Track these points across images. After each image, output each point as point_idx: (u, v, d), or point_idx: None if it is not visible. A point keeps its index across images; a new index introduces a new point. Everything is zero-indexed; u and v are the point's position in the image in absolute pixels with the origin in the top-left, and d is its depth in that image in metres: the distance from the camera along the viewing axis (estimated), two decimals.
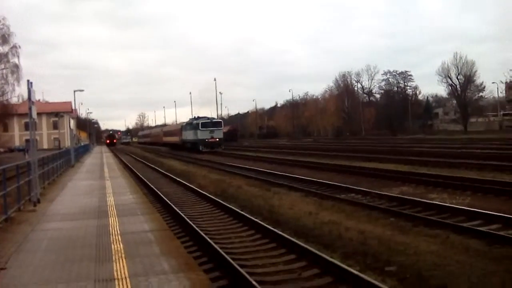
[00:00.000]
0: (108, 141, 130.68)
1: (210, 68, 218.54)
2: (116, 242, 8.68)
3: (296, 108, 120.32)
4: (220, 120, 65.10)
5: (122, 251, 7.95)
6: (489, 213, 11.47)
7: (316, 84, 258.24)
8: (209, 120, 59.33)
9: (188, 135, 61.98)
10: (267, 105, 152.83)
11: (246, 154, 45.77)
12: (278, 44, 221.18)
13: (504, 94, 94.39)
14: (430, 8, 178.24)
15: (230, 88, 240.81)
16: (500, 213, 11.40)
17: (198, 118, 62.03)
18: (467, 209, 12.21)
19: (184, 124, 67.76)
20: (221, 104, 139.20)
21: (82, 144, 76.71)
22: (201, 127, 57.20)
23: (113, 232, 9.64)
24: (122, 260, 7.40)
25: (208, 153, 52.18)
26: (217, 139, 57.51)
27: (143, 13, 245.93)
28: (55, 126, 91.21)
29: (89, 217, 11.73)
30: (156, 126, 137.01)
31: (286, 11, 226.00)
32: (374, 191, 16.18)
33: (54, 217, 12.18)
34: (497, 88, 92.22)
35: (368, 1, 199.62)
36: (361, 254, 8.90)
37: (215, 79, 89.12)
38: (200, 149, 55.79)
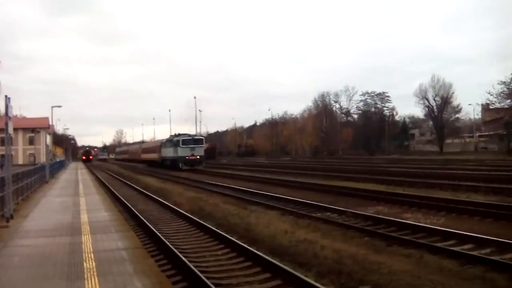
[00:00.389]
0: (84, 157, 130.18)
1: (190, 85, 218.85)
2: (88, 260, 8.59)
3: (275, 127, 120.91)
4: (202, 137, 62.71)
5: (95, 269, 7.87)
6: (463, 233, 11.58)
7: (295, 103, 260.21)
8: (190, 137, 57.76)
9: (168, 152, 60.44)
10: (246, 124, 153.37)
11: (224, 172, 45.72)
12: (258, 63, 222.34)
13: (480, 116, 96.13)
14: (409, 30, 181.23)
15: (209, 105, 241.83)
16: (473, 233, 11.52)
17: (179, 135, 60.45)
18: (441, 229, 12.31)
19: (164, 140, 65.95)
20: (200, 121, 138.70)
21: (57, 160, 75.83)
22: (182, 144, 55.70)
23: (86, 250, 9.54)
24: (94, 278, 7.33)
25: (187, 171, 51.18)
26: (198, 157, 56.00)
27: (123, 29, 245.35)
28: (31, 141, 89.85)
29: (62, 234, 11.61)
30: (134, 143, 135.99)
31: (267, 31, 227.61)
32: (349, 210, 16.24)
33: (27, 233, 12.03)
34: (473, 110, 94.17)
35: (348, 23, 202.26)
36: (335, 273, 8.90)
37: (195, 97, 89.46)
38: (180, 166, 54.53)
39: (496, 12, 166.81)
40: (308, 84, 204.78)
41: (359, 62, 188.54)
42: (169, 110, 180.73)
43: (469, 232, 11.64)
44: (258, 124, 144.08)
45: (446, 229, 12.22)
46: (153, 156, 71.57)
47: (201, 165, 55.89)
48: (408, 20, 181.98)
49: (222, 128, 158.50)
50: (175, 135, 61.44)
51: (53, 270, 7.94)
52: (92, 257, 8.85)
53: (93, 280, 7.18)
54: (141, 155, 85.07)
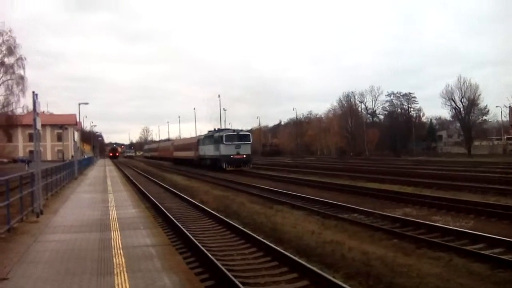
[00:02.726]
0: (111, 154, 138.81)
1: (214, 84, 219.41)
2: (117, 256, 8.67)
3: (299, 127, 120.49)
4: (248, 133, 53.93)
5: (124, 265, 7.94)
6: (492, 237, 11.41)
7: (319, 103, 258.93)
8: (234, 133, 50.02)
9: (208, 150, 53.72)
10: (271, 123, 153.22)
11: (249, 171, 45.68)
12: (283, 62, 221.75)
13: (508, 118, 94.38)
14: (435, 31, 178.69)
15: (234, 104, 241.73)
16: (503, 237, 11.34)
17: (220, 130, 54.09)
18: (470, 232, 12.15)
19: (202, 137, 58.95)
20: (225, 120, 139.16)
21: (85, 156, 76.87)
22: (225, 141, 48.33)
23: (115, 246, 9.63)
24: (124, 274, 7.39)
25: (213, 170, 47.91)
26: (244, 156, 48.64)
27: (149, 27, 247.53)
28: (59, 138, 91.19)
29: (91, 230, 11.75)
30: (164, 140, 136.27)
31: (291, 29, 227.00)
32: (377, 211, 16.13)
33: (57, 229, 12.19)
34: (501, 112, 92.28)
35: (373, 22, 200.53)
36: (363, 275, 8.84)
37: (219, 96, 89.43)
38: (224, 167, 47.54)
39: None
40: (333, 84, 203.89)
41: (385, 63, 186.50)
42: (194, 109, 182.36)
43: (499, 236, 11.46)
44: (282, 123, 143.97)
45: (476, 232, 12.07)
46: (188, 154, 65.05)
47: (248, 166, 49.07)
48: (435, 20, 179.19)
49: (246, 127, 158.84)
50: (216, 130, 54.59)
51: (83, 265, 8.04)
52: (121, 253, 8.93)
53: (122, 276, 7.25)
54: (173, 153, 78.55)
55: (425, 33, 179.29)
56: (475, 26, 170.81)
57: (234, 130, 51.14)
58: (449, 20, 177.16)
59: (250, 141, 50.83)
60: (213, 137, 51.81)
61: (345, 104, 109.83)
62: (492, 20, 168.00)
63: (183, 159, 68.04)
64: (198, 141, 59.24)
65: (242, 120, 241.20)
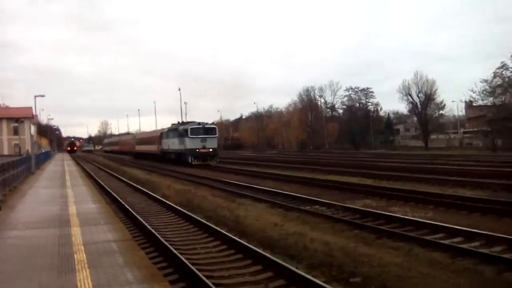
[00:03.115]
0: (69, 148, 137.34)
1: (175, 77, 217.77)
2: (79, 252, 8.52)
3: (261, 121, 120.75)
4: (215, 126, 50.77)
5: (85, 261, 7.81)
6: (451, 227, 11.70)
7: (281, 97, 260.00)
8: (200, 126, 47.68)
9: (172, 144, 51.66)
10: (232, 117, 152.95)
11: (210, 165, 45.52)
12: (244, 56, 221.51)
13: (464, 113, 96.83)
14: (393, 27, 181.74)
15: (195, 98, 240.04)
16: (462, 227, 11.64)
17: (185, 123, 51.71)
18: (430, 223, 12.42)
19: (166, 130, 56.32)
20: (186, 114, 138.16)
21: (43, 151, 75.19)
22: (191, 134, 46.29)
23: (76, 242, 9.45)
24: (86, 270, 7.27)
25: (173, 164, 47.15)
26: (211, 150, 46.79)
27: (109, 17, 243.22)
28: (16, 131, 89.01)
29: (51, 226, 11.49)
30: (123, 134, 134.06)
31: (254, 24, 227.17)
32: (338, 203, 16.32)
33: (15, 225, 11.88)
34: (457, 107, 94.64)
35: (334, 18, 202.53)
36: (326, 265, 8.95)
37: (179, 89, 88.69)
38: (189, 161, 45.61)
39: (480, 11, 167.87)
40: (293, 78, 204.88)
41: (344, 58, 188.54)
42: (154, 102, 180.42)
43: (458, 226, 11.76)
44: (244, 117, 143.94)
45: (435, 223, 12.33)
46: (151, 148, 62.79)
47: (214, 160, 47.09)
48: (393, 17, 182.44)
49: (208, 121, 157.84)
50: (180, 123, 52.60)
51: (43, 262, 7.86)
52: (83, 249, 8.78)
53: (84, 272, 7.13)
54: (135, 147, 75.70)
55: (383, 29, 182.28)
56: (432, 22, 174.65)
57: (199, 123, 48.53)
58: (409, 15, 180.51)
59: (216, 134, 49.11)
60: (178, 130, 49.74)
61: (305, 99, 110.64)
62: (450, 16, 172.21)
63: (146, 154, 65.73)
64: (161, 135, 57.16)
65: (204, 114, 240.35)
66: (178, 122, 54.37)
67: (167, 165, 47.39)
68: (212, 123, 51.71)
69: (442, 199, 16.36)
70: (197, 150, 45.94)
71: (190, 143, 46.08)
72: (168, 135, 53.83)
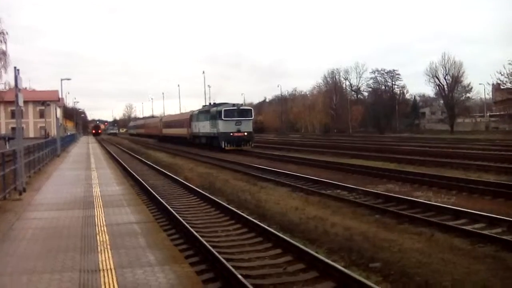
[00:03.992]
0: (93, 131, 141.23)
1: (200, 60, 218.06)
2: (101, 233, 8.66)
3: (284, 104, 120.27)
4: (250, 108, 47.85)
5: (108, 242, 7.94)
6: (474, 212, 11.58)
7: (305, 80, 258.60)
8: (234, 107, 43.84)
9: (202, 127, 47.91)
10: (256, 100, 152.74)
11: (234, 148, 45.33)
12: (268, 39, 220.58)
13: (491, 96, 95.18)
14: (420, 7, 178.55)
15: (219, 81, 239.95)
16: (484, 212, 11.52)
17: (217, 104, 46.79)
18: (452, 208, 12.32)
19: (196, 112, 52.66)
20: (209, 97, 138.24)
21: (68, 133, 76.20)
22: (224, 116, 42.56)
23: (99, 223, 9.61)
24: (108, 251, 7.39)
25: (202, 148, 44.75)
26: (245, 133, 42.80)
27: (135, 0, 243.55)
28: (42, 114, 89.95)
29: (75, 208, 11.69)
30: (147, 117, 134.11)
31: (278, 7, 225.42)
32: (360, 187, 16.25)
33: (40, 206, 12.12)
34: (484, 90, 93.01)
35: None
36: (346, 250, 8.95)
37: (203, 72, 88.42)
38: (222, 146, 42.06)
39: None
40: (318, 61, 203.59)
41: (370, 40, 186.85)
42: (178, 85, 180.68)
43: (480, 211, 11.64)
44: (267, 100, 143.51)
45: (457, 208, 12.23)
46: (179, 131, 59.23)
47: (249, 145, 43.07)
48: None
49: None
50: (213, 105, 48.49)
51: (67, 243, 8.01)
52: (105, 230, 8.92)
53: (106, 253, 7.25)
54: (162, 130, 72.35)
55: (410, 10, 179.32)
56: (462, 2, 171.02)
57: (234, 104, 44.62)
58: None
59: (252, 117, 45.46)
60: (210, 112, 45.78)
61: (330, 81, 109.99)
62: None
63: (173, 137, 62.79)
64: (191, 117, 53.54)
65: (228, 96, 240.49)
66: (210, 104, 50.72)
67: (196, 149, 45.59)
68: (247, 105, 48.82)
69: (466, 184, 16.17)
70: (231, 134, 42.31)
71: (224, 126, 42.59)
72: (198, 118, 50.31)
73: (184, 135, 56.16)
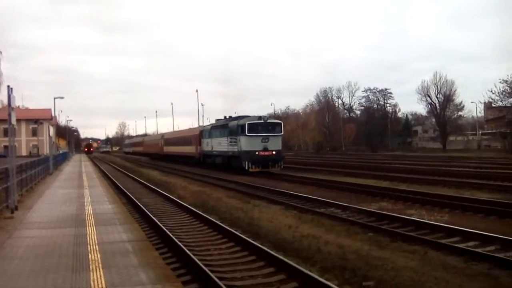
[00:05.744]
0: (86, 149, 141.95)
1: (192, 79, 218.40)
2: (93, 252, 8.60)
3: None
4: (279, 122, 39.05)
5: (100, 261, 7.88)
6: (467, 230, 11.59)
7: (298, 98, 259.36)
8: (261, 121, 36.23)
9: (218, 145, 40.99)
10: None
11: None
12: (261, 57, 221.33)
13: (483, 114, 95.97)
14: (413, 26, 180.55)
15: (212, 99, 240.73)
16: (477, 230, 11.54)
17: (237, 117, 39.29)
18: (445, 226, 12.33)
19: (209, 127, 45.81)
20: (203, 115, 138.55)
21: (61, 152, 75.93)
22: (248, 131, 35.34)
23: (91, 242, 9.54)
24: (99, 270, 7.33)
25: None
26: (273, 152, 35.53)
27: (128, 19, 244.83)
28: (34, 133, 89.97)
29: (67, 226, 11.62)
30: (139, 135, 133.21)
31: (270, 24, 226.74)
32: (353, 205, 16.27)
33: (32, 225, 12.03)
34: (476, 108, 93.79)
35: (351, 18, 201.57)
36: (339, 268, 8.91)
37: (197, 91, 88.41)
38: (245, 167, 34.93)
39: (503, 10, 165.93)
40: (310, 80, 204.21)
41: (361, 59, 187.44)
42: (172, 103, 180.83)
43: (474, 229, 11.65)
44: None
45: (450, 226, 12.25)
46: (186, 149, 52.21)
47: (278, 166, 35.68)
48: (413, 16, 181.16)
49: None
50: (231, 118, 40.49)
51: (58, 261, 7.95)
52: (97, 249, 8.86)
53: (98, 272, 7.19)
54: (163, 148, 65.19)
55: (403, 29, 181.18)
56: (453, 21, 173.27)
57: (259, 117, 36.91)
58: (427, 15, 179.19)
59: (281, 132, 37.31)
60: (228, 127, 38.61)
61: (323, 100, 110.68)
62: (472, 15, 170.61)
63: (179, 156, 55.92)
64: (201, 133, 46.69)
65: (221, 115, 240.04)
66: (225, 117, 43.08)
67: (207, 170, 39.64)
68: (276, 118, 40.09)
69: (459, 202, 16.22)
70: (257, 153, 35.04)
71: (247, 143, 35.21)
72: (212, 134, 43.11)
73: (192, 154, 49.76)
